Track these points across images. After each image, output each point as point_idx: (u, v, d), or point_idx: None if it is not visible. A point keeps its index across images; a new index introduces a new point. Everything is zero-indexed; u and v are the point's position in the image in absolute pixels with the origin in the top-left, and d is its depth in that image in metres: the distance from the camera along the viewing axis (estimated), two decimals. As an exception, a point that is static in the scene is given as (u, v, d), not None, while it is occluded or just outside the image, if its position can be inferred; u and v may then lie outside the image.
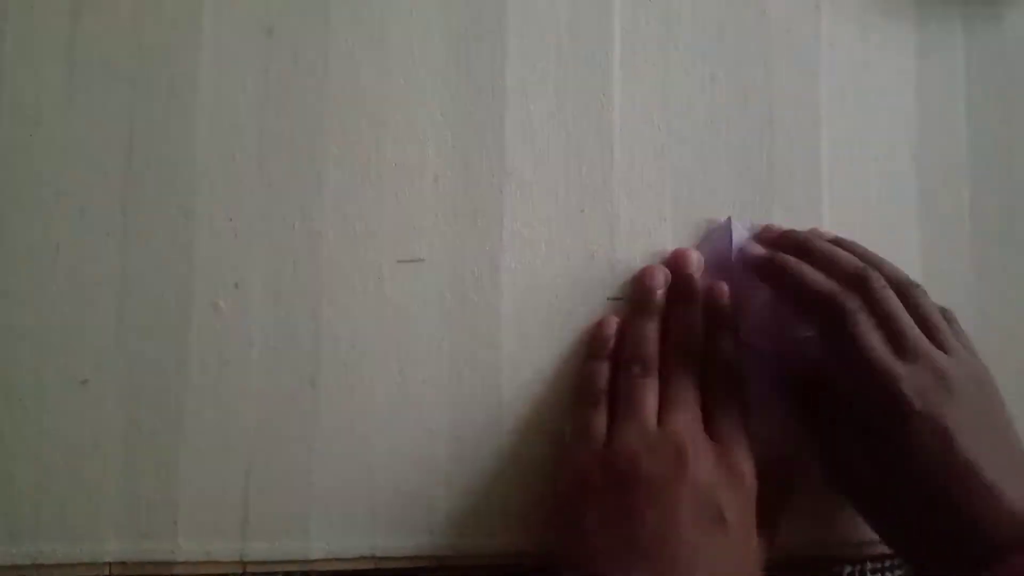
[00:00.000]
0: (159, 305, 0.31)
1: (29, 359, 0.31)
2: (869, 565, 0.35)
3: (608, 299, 0.34)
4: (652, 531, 0.27)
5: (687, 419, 0.30)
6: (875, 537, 0.32)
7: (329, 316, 0.32)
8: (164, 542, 0.31)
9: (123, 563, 0.31)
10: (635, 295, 0.34)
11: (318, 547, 0.31)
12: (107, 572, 0.31)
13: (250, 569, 0.31)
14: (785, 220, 0.35)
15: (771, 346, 0.34)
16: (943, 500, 0.27)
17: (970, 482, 0.27)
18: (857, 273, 0.30)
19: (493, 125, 0.34)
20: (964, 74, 0.38)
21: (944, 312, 0.31)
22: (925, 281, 0.31)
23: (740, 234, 0.34)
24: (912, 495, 0.28)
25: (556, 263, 0.34)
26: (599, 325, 0.33)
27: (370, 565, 0.31)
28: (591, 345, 0.33)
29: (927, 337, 0.29)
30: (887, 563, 0.36)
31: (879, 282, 0.29)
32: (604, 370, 0.32)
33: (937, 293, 0.31)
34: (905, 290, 0.30)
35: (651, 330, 0.33)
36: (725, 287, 0.33)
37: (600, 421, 0.31)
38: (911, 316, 0.29)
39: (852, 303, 0.29)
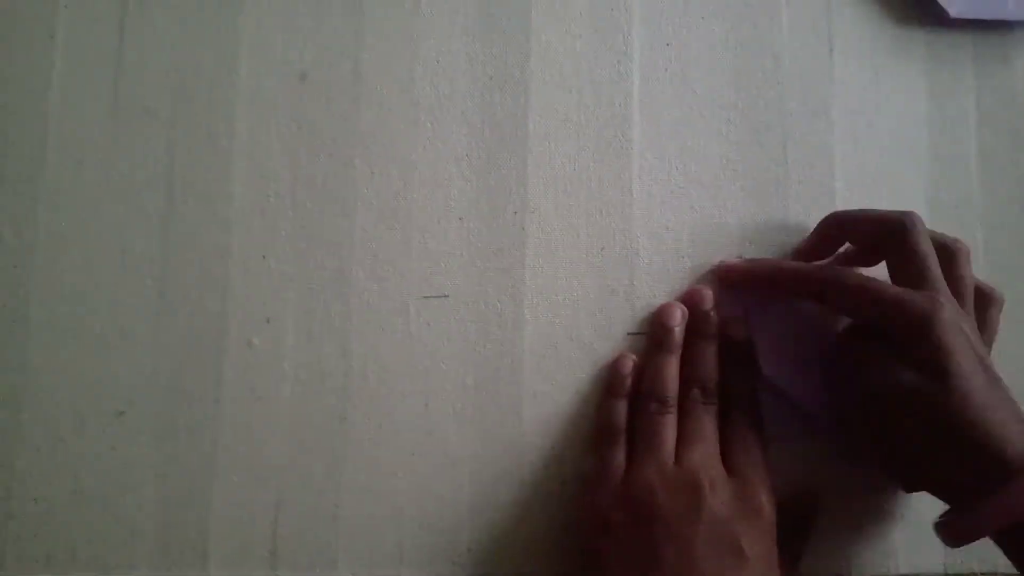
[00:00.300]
0: (194, 340, 0.33)
1: (67, 392, 0.32)
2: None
3: (628, 334, 0.35)
4: (671, 567, 0.28)
5: (704, 454, 0.31)
6: (890, 570, 0.33)
7: (358, 352, 0.33)
8: (195, 572, 0.32)
9: (155, 592, 0.31)
10: (653, 332, 0.35)
11: (345, 578, 0.32)
12: (140, 601, 0.31)
13: (278, 599, 0.32)
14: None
15: (791, 375, 0.34)
16: (977, 406, 0.28)
17: (998, 392, 0.29)
18: (901, 213, 0.32)
19: (516, 168, 0.35)
20: (975, 116, 0.39)
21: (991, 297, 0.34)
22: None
23: None
24: (953, 398, 0.28)
25: (577, 300, 0.35)
26: (616, 363, 0.34)
27: (395, 596, 0.32)
28: (609, 383, 0.34)
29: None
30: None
31: (917, 220, 0.32)
32: (622, 408, 0.33)
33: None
34: (947, 247, 0.32)
35: (669, 366, 0.33)
36: (742, 323, 0.34)
37: (619, 459, 0.32)
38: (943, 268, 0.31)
39: (921, 222, 0.31)
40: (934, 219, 0.38)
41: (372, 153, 0.34)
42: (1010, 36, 0.39)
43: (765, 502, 0.30)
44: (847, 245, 0.35)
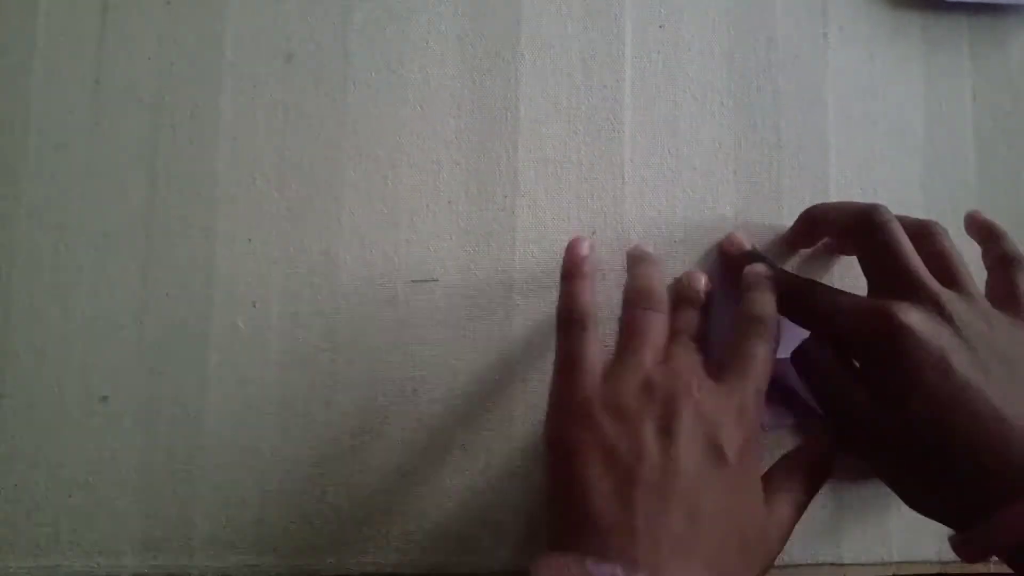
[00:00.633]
0: (179, 324, 0.32)
1: (50, 376, 0.32)
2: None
3: (620, 320, 0.35)
4: (651, 465, 0.25)
5: (691, 359, 0.29)
6: (884, 558, 0.32)
7: (345, 336, 0.33)
8: (180, 557, 0.31)
9: (139, 578, 0.31)
10: (633, 252, 0.33)
11: (331, 563, 0.32)
12: (124, 587, 0.31)
13: (264, 586, 0.31)
14: (794, 244, 0.36)
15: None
16: (946, 427, 0.26)
17: (973, 408, 0.26)
18: (872, 206, 0.31)
19: (506, 151, 0.35)
20: (971, 99, 0.38)
21: (1017, 262, 0.31)
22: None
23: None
24: (914, 424, 0.27)
25: (567, 285, 0.34)
26: (570, 247, 0.31)
27: (382, 583, 0.32)
28: (566, 267, 0.31)
29: (937, 274, 0.29)
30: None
31: (888, 213, 0.30)
32: (586, 288, 0.30)
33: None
34: (922, 229, 0.31)
35: (656, 275, 0.31)
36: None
37: (592, 348, 0.29)
38: (923, 254, 0.30)
39: (888, 214, 0.30)
40: (929, 203, 0.37)
41: (359, 135, 0.34)
42: (1005, 20, 0.39)
43: (751, 407, 0.28)
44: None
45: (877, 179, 0.37)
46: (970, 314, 0.28)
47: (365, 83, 0.34)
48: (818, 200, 0.36)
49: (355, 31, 0.34)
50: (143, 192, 0.33)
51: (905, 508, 0.31)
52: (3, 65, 0.33)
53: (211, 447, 0.32)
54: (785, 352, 0.33)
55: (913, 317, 0.27)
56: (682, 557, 0.24)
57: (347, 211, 0.33)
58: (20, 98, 0.33)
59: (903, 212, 0.37)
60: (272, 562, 0.32)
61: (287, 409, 0.32)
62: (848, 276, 0.36)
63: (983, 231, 0.33)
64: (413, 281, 0.33)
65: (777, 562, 0.34)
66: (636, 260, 0.32)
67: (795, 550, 0.35)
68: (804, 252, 0.36)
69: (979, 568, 0.35)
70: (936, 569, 0.35)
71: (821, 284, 0.32)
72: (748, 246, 0.35)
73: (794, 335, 0.34)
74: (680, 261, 0.35)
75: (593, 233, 0.35)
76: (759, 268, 0.32)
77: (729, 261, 0.35)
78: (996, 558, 0.28)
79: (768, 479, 0.29)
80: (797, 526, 0.34)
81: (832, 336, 0.31)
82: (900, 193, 0.37)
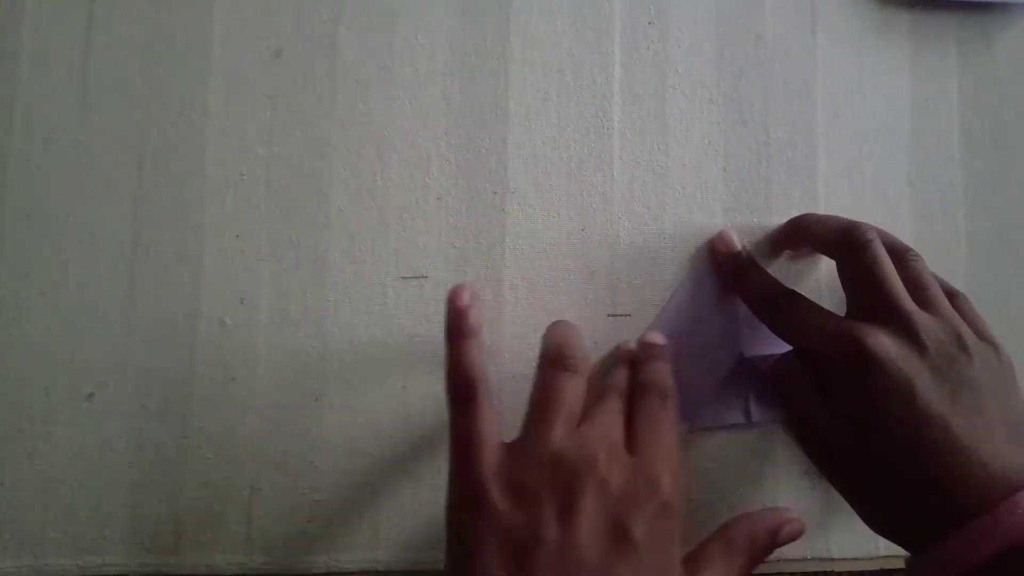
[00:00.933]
0: (166, 320, 0.32)
1: (37, 373, 0.32)
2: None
3: (608, 316, 0.35)
4: (551, 552, 0.24)
5: (606, 426, 0.27)
6: (872, 552, 0.32)
7: (333, 332, 0.33)
8: (168, 556, 0.31)
9: (127, 576, 0.31)
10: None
11: (320, 562, 0.32)
12: (111, 586, 0.31)
13: (252, 584, 0.31)
14: (782, 240, 0.36)
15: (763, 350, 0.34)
16: (908, 455, 0.27)
17: (933, 436, 0.26)
18: (853, 224, 0.31)
19: (496, 147, 0.35)
20: (958, 97, 0.39)
21: (955, 294, 0.32)
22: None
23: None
24: (873, 448, 0.28)
25: (557, 281, 0.34)
26: (451, 298, 0.28)
27: (372, 580, 0.32)
28: (450, 323, 0.28)
29: (912, 296, 0.29)
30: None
31: (871, 232, 0.30)
32: (472, 349, 0.28)
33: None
34: (898, 252, 0.31)
35: (572, 332, 0.29)
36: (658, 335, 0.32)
37: (484, 421, 0.26)
38: (899, 276, 0.30)
39: (872, 233, 0.30)
40: (917, 200, 0.38)
41: (348, 131, 0.34)
42: (993, 18, 0.39)
43: (666, 483, 0.26)
44: None
45: (865, 176, 0.37)
46: (944, 340, 0.28)
47: (354, 79, 0.34)
48: (807, 197, 0.37)
49: (345, 27, 0.34)
50: (131, 188, 0.33)
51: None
52: (-12, 60, 0.33)
53: (199, 444, 0.32)
54: (776, 348, 0.34)
55: (882, 343, 0.28)
56: None
57: (336, 208, 0.33)
58: (6, 94, 0.33)
59: (891, 208, 0.37)
60: (261, 560, 0.31)
61: (275, 406, 0.32)
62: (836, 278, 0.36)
63: None
64: (402, 278, 0.33)
65: (766, 557, 0.35)
66: (553, 324, 0.30)
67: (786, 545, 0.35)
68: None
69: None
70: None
71: (798, 297, 0.32)
72: (739, 245, 0.35)
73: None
74: (669, 258, 0.35)
75: (583, 230, 0.35)
76: (653, 338, 0.32)
77: (719, 259, 0.35)
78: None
79: (696, 557, 0.27)
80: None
81: (803, 353, 0.31)
82: (888, 190, 0.37)
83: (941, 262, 0.37)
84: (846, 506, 0.33)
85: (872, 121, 0.38)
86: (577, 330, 0.30)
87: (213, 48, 0.33)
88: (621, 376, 0.30)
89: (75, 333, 0.32)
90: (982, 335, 0.30)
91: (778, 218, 0.36)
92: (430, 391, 0.33)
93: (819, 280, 0.36)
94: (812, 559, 0.35)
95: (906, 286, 0.30)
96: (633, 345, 0.33)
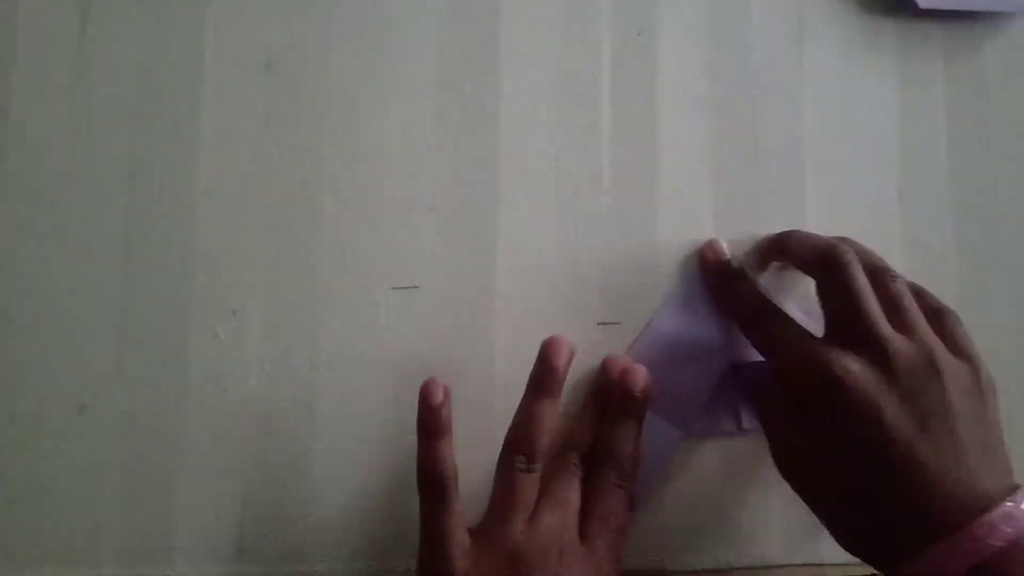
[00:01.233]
0: (158, 333, 0.32)
1: (30, 385, 0.32)
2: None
3: (599, 324, 0.35)
4: None
5: (559, 517, 0.29)
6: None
7: (325, 343, 0.33)
8: (161, 566, 0.31)
9: (120, 588, 0.31)
10: (534, 372, 0.31)
11: (314, 571, 0.32)
12: (104, 597, 0.31)
13: (246, 594, 0.31)
14: (771, 249, 0.36)
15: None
16: (874, 478, 0.27)
17: (899, 462, 0.27)
18: (833, 245, 0.31)
19: (487, 158, 0.35)
20: (945, 105, 0.39)
21: (943, 311, 0.31)
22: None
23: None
24: (841, 470, 0.28)
25: (548, 289, 0.35)
26: (423, 393, 0.30)
27: (365, 589, 0.32)
28: (422, 421, 0.30)
29: (889, 318, 0.29)
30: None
31: (849, 255, 0.30)
32: (445, 450, 0.30)
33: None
34: (877, 273, 0.31)
35: (545, 414, 0.30)
36: (643, 373, 0.32)
37: (452, 520, 0.29)
38: (877, 297, 0.30)
39: (849, 255, 0.30)
40: (904, 209, 0.38)
41: (340, 143, 0.34)
42: (979, 27, 0.39)
43: (610, 563, 0.29)
44: None
45: (853, 185, 0.38)
46: (917, 364, 0.28)
47: (346, 92, 0.34)
48: (795, 206, 0.37)
49: (336, 40, 0.34)
50: (124, 201, 0.33)
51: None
52: (-19, 74, 0.33)
53: (191, 456, 0.32)
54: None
55: (851, 370, 0.28)
56: None
57: (327, 219, 0.33)
58: (0, 107, 0.33)
59: (879, 217, 0.38)
60: (254, 571, 0.32)
61: (268, 417, 0.32)
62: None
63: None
64: (394, 288, 0.34)
65: (757, 563, 0.35)
66: (534, 387, 0.31)
67: (775, 550, 0.35)
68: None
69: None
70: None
71: (778, 315, 0.32)
72: (728, 254, 0.35)
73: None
74: (659, 266, 0.36)
75: (574, 240, 0.35)
76: (635, 381, 0.32)
77: (708, 268, 0.35)
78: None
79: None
80: (778, 527, 0.35)
81: (777, 371, 0.32)
82: (876, 198, 0.38)
83: (930, 272, 0.38)
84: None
85: (860, 131, 0.38)
86: (539, 412, 0.30)
87: (205, 62, 0.34)
88: (583, 438, 0.32)
89: (68, 345, 0.32)
90: (962, 355, 0.30)
91: (767, 227, 0.36)
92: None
93: (809, 291, 0.36)
94: (804, 565, 0.35)
95: (884, 308, 0.30)
96: (623, 361, 0.33)
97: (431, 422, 0.30)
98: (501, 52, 0.35)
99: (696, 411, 0.35)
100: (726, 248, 0.35)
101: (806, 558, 0.35)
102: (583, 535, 0.30)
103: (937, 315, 0.31)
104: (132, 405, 0.32)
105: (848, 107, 0.38)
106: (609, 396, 0.33)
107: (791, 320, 0.32)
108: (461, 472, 0.33)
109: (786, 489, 0.35)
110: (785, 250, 0.34)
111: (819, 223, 0.37)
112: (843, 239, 0.33)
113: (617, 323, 0.35)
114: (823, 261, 0.31)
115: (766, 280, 0.36)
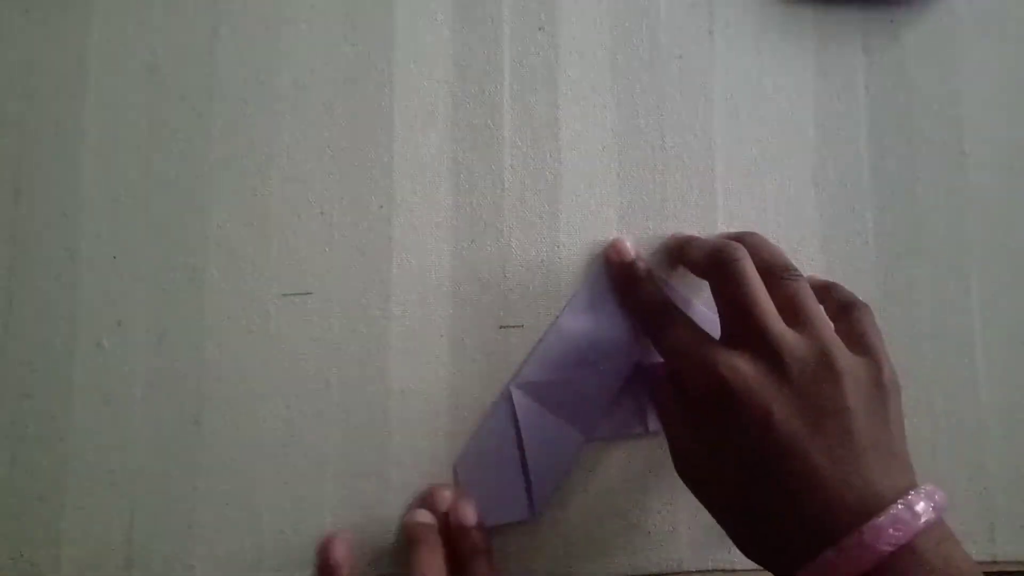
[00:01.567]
0: (42, 344, 0.32)
1: (-79, 399, 0.31)
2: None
3: (501, 328, 0.34)
4: None
5: None
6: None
7: (213, 353, 0.32)
8: (48, 581, 0.31)
9: (6, 603, 0.31)
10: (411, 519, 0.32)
11: (202, 585, 0.31)
12: (-10, 613, 0.31)
13: (134, 608, 0.31)
14: (678, 247, 0.35)
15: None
16: (767, 482, 0.27)
17: (790, 466, 0.26)
18: (721, 245, 0.30)
19: (381, 160, 0.34)
20: (864, 93, 0.38)
21: (851, 305, 0.31)
22: (829, 303, 0.31)
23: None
24: (733, 475, 0.27)
25: (447, 294, 0.34)
26: (327, 549, 0.31)
27: (256, 602, 0.31)
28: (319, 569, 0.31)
29: (784, 316, 0.29)
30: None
31: (738, 252, 0.30)
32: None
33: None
34: (772, 270, 0.30)
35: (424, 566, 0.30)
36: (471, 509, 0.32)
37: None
38: (774, 296, 0.29)
39: (739, 252, 0.29)
40: (821, 200, 0.37)
41: (227, 147, 0.33)
42: (898, 12, 0.38)
43: None
44: None
45: (766, 177, 0.37)
46: (811, 363, 0.27)
47: (232, 94, 0.34)
48: (705, 201, 0.36)
49: (222, 42, 0.34)
50: (8, 212, 0.32)
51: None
52: None
53: (77, 468, 0.31)
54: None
55: (739, 370, 0.27)
56: None
57: (215, 225, 0.33)
58: None
59: (794, 209, 0.37)
60: (144, 583, 0.31)
61: (154, 429, 0.32)
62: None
63: (817, 289, 0.31)
64: (285, 295, 0.33)
65: (668, 568, 0.34)
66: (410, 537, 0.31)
67: (687, 556, 0.34)
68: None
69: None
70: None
71: (677, 316, 0.31)
72: (632, 254, 0.34)
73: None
74: (563, 267, 0.35)
75: (472, 242, 0.34)
76: (465, 518, 0.32)
77: (613, 268, 0.34)
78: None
79: None
80: (686, 532, 0.34)
81: (672, 372, 0.31)
82: (791, 191, 0.37)
83: (849, 263, 0.37)
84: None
85: (774, 121, 0.37)
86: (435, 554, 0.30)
87: (89, 67, 0.33)
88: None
89: (-44, 358, 0.32)
90: (865, 351, 0.29)
91: (674, 224, 0.35)
92: (314, 409, 0.33)
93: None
94: (715, 571, 0.34)
95: (781, 306, 0.29)
96: (449, 500, 0.32)
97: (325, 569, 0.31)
98: (396, 49, 0.35)
99: (601, 413, 0.34)
100: (631, 248, 0.34)
101: (717, 564, 0.34)
102: None
103: (845, 310, 0.31)
104: (17, 417, 0.31)
105: (761, 97, 0.37)
106: (455, 542, 0.31)
107: (690, 322, 0.31)
108: (356, 482, 0.32)
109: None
110: (683, 256, 0.34)
111: (731, 220, 0.36)
112: (744, 235, 0.32)
113: (520, 326, 0.34)
114: (713, 261, 0.30)
115: (677, 281, 0.35)
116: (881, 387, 0.28)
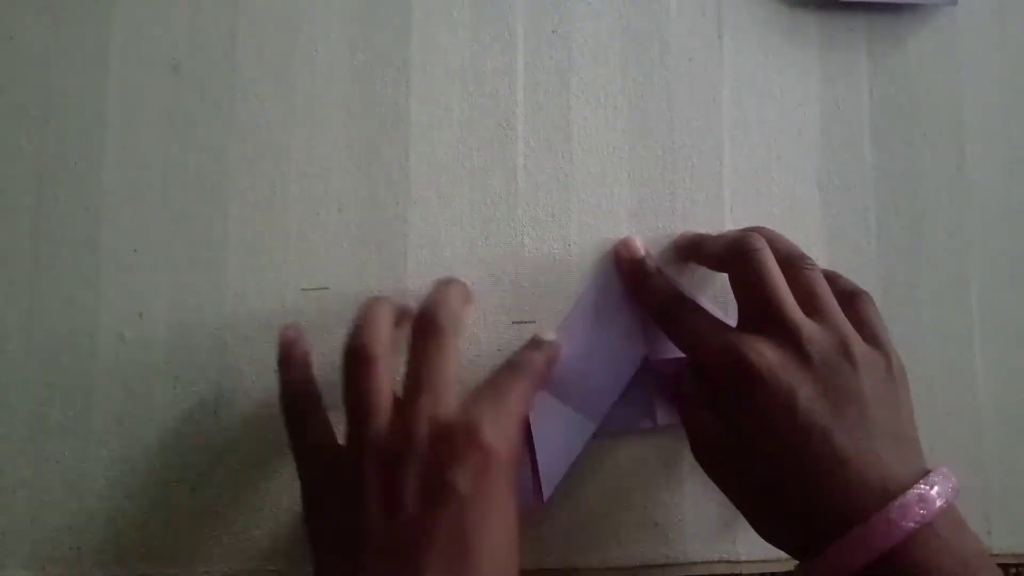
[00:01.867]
0: (64, 336, 0.32)
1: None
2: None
3: (513, 323, 0.35)
4: (375, 516, 0.26)
5: (428, 401, 0.28)
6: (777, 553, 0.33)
7: (233, 346, 0.33)
8: (70, 570, 0.31)
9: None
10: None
11: (204, 571, 0.32)
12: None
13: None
14: (686, 246, 0.36)
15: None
16: (791, 465, 0.27)
17: (815, 448, 0.27)
18: (741, 236, 0.31)
19: (398, 157, 0.35)
20: (868, 98, 0.39)
21: (856, 293, 0.32)
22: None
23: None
24: (758, 458, 0.28)
25: (462, 290, 0.35)
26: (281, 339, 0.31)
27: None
28: (281, 353, 0.31)
29: (802, 305, 0.29)
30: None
31: (758, 243, 0.30)
32: (306, 376, 0.31)
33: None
34: (790, 260, 0.31)
35: (376, 316, 0.30)
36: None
37: (319, 432, 0.30)
38: (791, 285, 0.30)
39: (759, 242, 0.30)
40: (826, 200, 0.38)
41: (247, 144, 0.34)
42: (902, 19, 0.39)
43: (491, 440, 0.27)
44: None
45: (772, 179, 0.37)
46: (829, 350, 0.28)
47: (253, 92, 0.34)
48: (712, 202, 0.37)
49: (242, 40, 0.34)
50: (30, 204, 0.33)
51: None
52: None
53: (99, 458, 0.32)
54: (679, 352, 0.34)
55: (764, 356, 0.28)
56: None
57: (235, 220, 0.33)
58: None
59: (799, 211, 0.37)
60: (171, 572, 0.32)
61: (175, 420, 0.32)
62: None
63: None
64: (303, 289, 0.34)
65: (671, 560, 0.35)
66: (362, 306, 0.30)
67: (690, 548, 0.35)
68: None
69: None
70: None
71: (692, 306, 0.32)
72: (642, 251, 0.35)
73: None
74: (574, 264, 0.35)
75: (487, 239, 0.35)
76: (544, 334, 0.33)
77: (623, 265, 0.35)
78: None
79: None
80: (693, 524, 0.35)
81: (693, 362, 0.32)
82: (796, 191, 0.38)
83: (852, 263, 0.38)
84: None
85: (780, 124, 0.38)
86: (386, 308, 0.30)
87: (111, 63, 0.34)
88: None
89: (-22, 349, 0.32)
90: (875, 342, 0.30)
91: (684, 224, 0.36)
92: (332, 403, 0.33)
93: (725, 286, 0.36)
94: (719, 562, 0.35)
95: (797, 294, 0.30)
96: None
97: (286, 354, 0.31)
98: (413, 50, 0.35)
99: (610, 405, 0.35)
100: (641, 246, 0.35)
101: (723, 555, 0.35)
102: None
103: (850, 298, 0.32)
104: (41, 407, 0.32)
105: (768, 100, 0.38)
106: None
107: (705, 312, 0.32)
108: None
109: (700, 487, 0.35)
110: (698, 251, 0.34)
111: (738, 219, 0.37)
112: (758, 228, 0.33)
113: (532, 322, 0.35)
114: (733, 251, 0.31)
115: (683, 280, 0.36)
116: (891, 376, 0.29)
